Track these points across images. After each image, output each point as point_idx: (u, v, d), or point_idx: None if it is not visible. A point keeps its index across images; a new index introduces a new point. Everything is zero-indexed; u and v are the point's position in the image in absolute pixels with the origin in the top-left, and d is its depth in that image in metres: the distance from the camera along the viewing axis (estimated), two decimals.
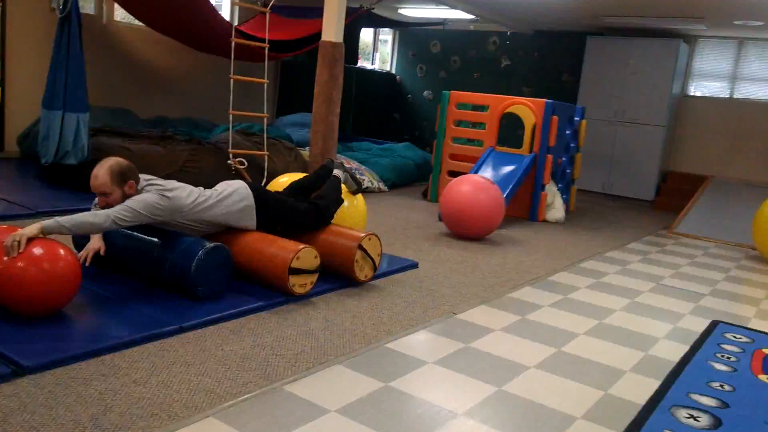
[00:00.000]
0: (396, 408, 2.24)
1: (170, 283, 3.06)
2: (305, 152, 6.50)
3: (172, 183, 3.15)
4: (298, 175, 4.13)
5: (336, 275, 3.56)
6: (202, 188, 3.32)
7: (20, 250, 2.47)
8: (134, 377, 2.25)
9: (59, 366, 2.27)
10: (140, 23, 7.31)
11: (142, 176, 3.08)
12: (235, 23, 7.54)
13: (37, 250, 2.52)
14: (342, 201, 3.87)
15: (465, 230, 5.16)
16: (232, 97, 5.71)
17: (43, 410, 1.98)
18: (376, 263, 3.61)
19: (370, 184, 7.04)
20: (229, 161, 5.60)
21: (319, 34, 5.64)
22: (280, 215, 3.51)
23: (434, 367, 2.61)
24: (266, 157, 5.88)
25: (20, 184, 5.21)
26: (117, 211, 2.84)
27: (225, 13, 8.63)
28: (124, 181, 2.95)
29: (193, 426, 1.99)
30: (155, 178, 3.15)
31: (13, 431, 1.85)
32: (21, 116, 6.55)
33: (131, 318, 2.70)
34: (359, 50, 8.65)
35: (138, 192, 3.00)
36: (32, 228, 2.57)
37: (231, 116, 5.70)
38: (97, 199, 3.01)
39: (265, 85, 6.06)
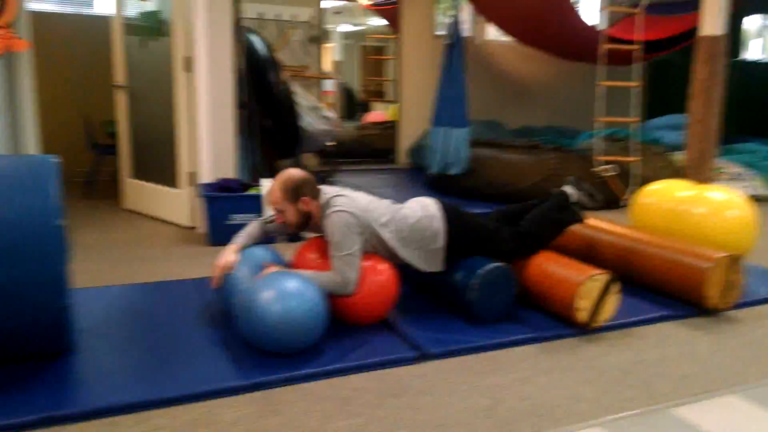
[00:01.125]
0: None
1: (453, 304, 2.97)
2: (677, 157, 6.04)
3: (350, 192, 2.83)
4: (677, 182, 3.83)
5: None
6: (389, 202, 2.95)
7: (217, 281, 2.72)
8: (519, 375, 2.41)
9: (455, 356, 2.57)
10: (508, 39, 7.74)
11: (328, 190, 2.79)
12: (602, 27, 7.42)
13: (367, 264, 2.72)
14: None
15: None
16: (599, 103, 5.64)
17: (443, 394, 2.27)
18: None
19: (754, 191, 6.18)
20: (594, 169, 5.55)
21: (695, 29, 5.19)
22: (476, 243, 2.94)
23: None
24: (638, 163, 5.64)
25: (410, 190, 6.02)
26: (338, 271, 2.60)
27: (589, 18, 8.54)
28: (297, 198, 2.70)
29: None
30: (337, 189, 2.82)
31: (420, 408, 2.17)
32: (411, 132, 7.55)
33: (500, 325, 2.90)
34: (742, 40, 7.66)
35: (320, 209, 2.73)
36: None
37: (598, 123, 5.64)
38: (272, 214, 2.84)
39: (636, 88, 5.83)
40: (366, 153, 8.12)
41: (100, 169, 5.86)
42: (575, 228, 3.41)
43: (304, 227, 2.83)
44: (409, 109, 7.69)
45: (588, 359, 2.58)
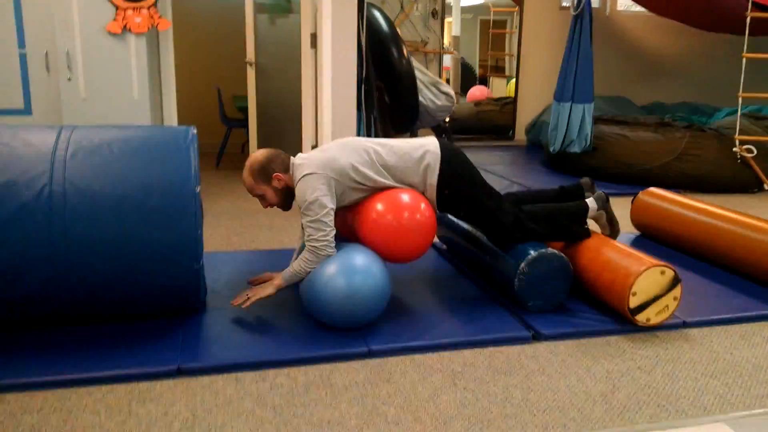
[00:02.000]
0: None
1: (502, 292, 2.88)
2: None
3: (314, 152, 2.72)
4: None
5: None
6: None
7: (245, 305, 2.51)
8: (639, 363, 2.32)
9: (570, 338, 2.51)
10: (640, 9, 7.27)
11: (293, 160, 2.65)
12: None
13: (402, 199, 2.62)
14: (574, 235, 2.87)
15: None
16: (743, 77, 5.18)
17: (556, 376, 2.22)
18: None
19: None
20: (735, 149, 5.13)
21: None
22: (467, 198, 2.75)
23: None
24: None
25: (527, 169, 5.88)
26: (309, 239, 2.49)
27: None
28: (269, 177, 2.60)
29: (702, 427, 1.94)
30: (303, 155, 2.68)
31: (532, 388, 2.14)
32: (530, 108, 7.34)
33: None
34: None
35: (294, 181, 2.59)
36: (266, 288, 2.54)
37: (740, 99, 5.19)
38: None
39: None
40: (483, 129, 8.01)
41: (229, 141, 6.21)
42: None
43: (289, 203, 2.73)
44: (529, 85, 7.48)
45: (715, 351, 2.42)
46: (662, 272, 2.54)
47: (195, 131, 2.55)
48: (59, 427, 1.87)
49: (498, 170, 5.71)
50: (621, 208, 3.61)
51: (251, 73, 5.28)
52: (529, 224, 2.76)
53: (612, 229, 3.02)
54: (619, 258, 2.65)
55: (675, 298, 2.56)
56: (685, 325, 2.63)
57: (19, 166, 2.27)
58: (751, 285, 3.06)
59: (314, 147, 4.63)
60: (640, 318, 2.55)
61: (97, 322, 2.47)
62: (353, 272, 2.43)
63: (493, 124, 8.11)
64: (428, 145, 2.70)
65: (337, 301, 2.40)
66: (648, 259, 2.59)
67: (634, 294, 2.52)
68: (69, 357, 2.22)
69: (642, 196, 3.87)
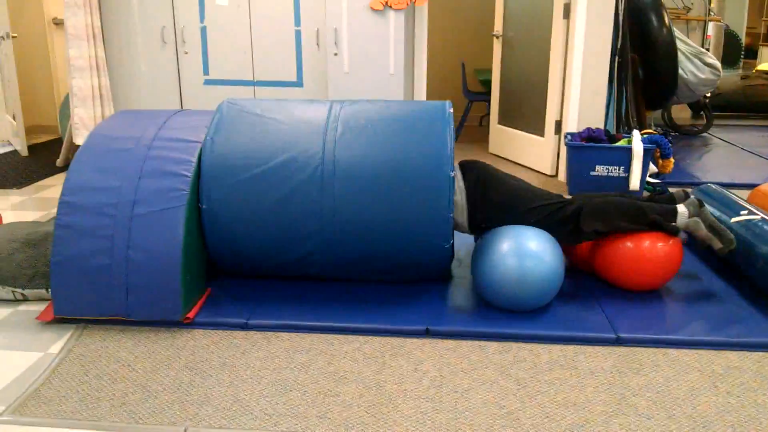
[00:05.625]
0: None
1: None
2: None
3: None
4: None
5: None
6: None
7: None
8: None
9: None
10: None
11: None
12: None
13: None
14: (657, 224, 2.51)
15: None
16: None
17: (636, 377, 1.93)
18: None
19: None
20: None
21: None
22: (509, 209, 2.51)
23: None
24: None
25: None
26: None
27: None
28: None
29: None
30: None
31: (618, 394, 1.88)
32: None
33: None
34: None
35: None
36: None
37: None
38: None
39: None
40: (751, 106, 7.06)
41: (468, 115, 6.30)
42: None
43: None
44: None
45: None
46: None
47: (451, 109, 2.61)
48: (324, 367, 2.10)
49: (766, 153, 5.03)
50: None
51: (497, 46, 5.26)
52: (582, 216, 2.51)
53: (720, 237, 2.56)
54: None
55: None
56: None
57: (298, 144, 2.53)
58: None
59: (558, 122, 4.50)
60: None
61: (354, 281, 2.71)
62: (526, 255, 2.36)
63: (763, 100, 7.12)
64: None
65: (510, 283, 2.35)
66: None
67: None
68: (332, 308, 2.47)
69: None
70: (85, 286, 2.33)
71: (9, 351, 2.23)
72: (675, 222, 2.55)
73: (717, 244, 2.56)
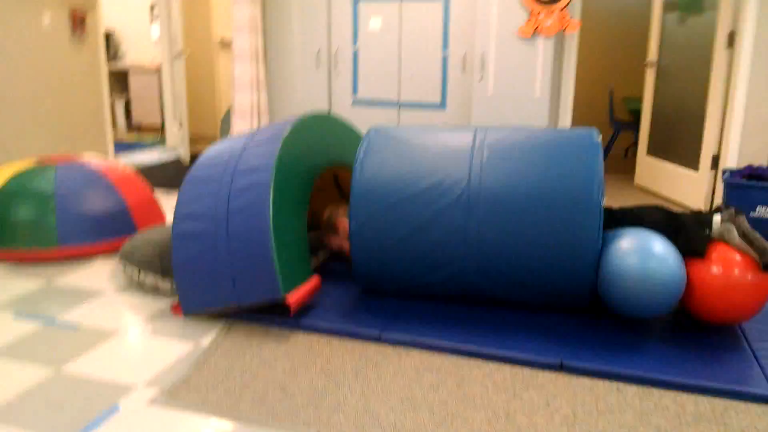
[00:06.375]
0: None
1: None
2: None
3: None
4: None
5: None
6: None
7: None
8: None
9: None
10: None
11: None
12: None
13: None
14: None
15: None
16: None
17: None
18: None
19: None
20: None
21: None
22: None
23: None
24: None
25: None
26: None
27: None
28: None
29: None
30: None
31: None
32: None
33: None
34: None
35: None
36: None
37: None
38: None
39: None
40: None
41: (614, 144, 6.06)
42: None
43: None
44: None
45: None
46: None
47: (599, 138, 2.54)
48: (454, 390, 2.10)
49: None
50: None
51: (650, 74, 5.04)
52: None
53: (753, 247, 2.34)
54: None
55: None
56: None
57: (443, 169, 2.58)
58: None
59: (715, 157, 4.21)
60: None
61: (489, 306, 2.69)
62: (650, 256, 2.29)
63: None
64: None
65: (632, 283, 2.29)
66: None
67: None
68: (464, 331, 2.47)
69: None
70: (201, 284, 2.53)
71: (167, 339, 2.46)
72: (710, 231, 2.46)
73: (752, 254, 2.37)
